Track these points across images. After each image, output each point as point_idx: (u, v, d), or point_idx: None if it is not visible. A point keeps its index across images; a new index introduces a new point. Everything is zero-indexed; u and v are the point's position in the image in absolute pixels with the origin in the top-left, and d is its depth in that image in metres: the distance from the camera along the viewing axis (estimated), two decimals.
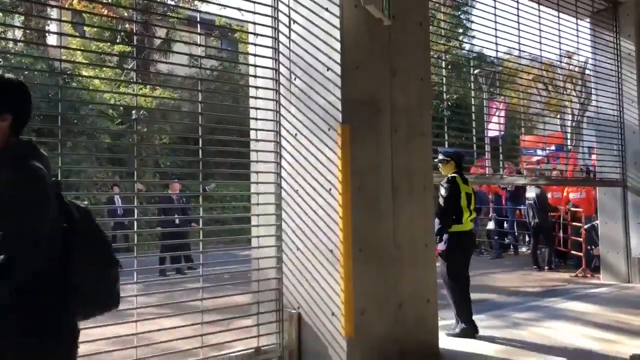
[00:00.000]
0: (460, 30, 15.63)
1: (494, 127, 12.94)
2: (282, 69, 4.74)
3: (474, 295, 5.75)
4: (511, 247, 13.86)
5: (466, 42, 15.26)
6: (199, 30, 5.36)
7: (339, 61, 4.24)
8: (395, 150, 4.59)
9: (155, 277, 9.32)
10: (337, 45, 4.26)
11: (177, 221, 9.95)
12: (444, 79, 7.80)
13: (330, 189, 4.26)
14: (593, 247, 9.74)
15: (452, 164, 5.67)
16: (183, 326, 4.50)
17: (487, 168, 8.02)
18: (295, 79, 4.61)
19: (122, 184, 14.38)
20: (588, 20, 8.68)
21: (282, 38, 4.73)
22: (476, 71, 10.70)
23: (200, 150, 4.49)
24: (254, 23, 4.85)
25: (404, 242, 4.56)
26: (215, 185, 15.31)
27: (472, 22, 14.29)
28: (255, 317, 4.63)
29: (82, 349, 2.12)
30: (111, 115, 16.78)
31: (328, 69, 4.32)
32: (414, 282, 4.62)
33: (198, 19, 5.09)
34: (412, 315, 4.58)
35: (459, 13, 14.71)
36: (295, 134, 4.58)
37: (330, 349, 4.19)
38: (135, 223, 4.64)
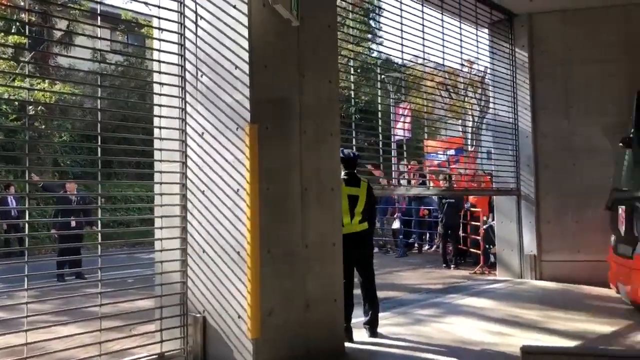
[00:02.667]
0: (370, 36, 16.03)
1: (401, 131, 13.39)
2: (188, 66, 4.61)
3: (380, 294, 5.87)
4: (415, 245, 14.39)
5: (374, 48, 15.68)
6: (99, 23, 5.08)
7: (247, 60, 4.19)
8: (304, 151, 4.60)
9: (53, 282, 8.81)
10: (245, 44, 4.20)
11: (73, 223, 9.42)
12: (353, 82, 7.94)
13: (238, 190, 4.19)
14: (491, 245, 10.30)
15: (341, 166, 5.44)
16: (80, 334, 4.27)
17: (394, 172, 8.27)
18: (202, 76, 4.50)
19: (17, 184, 13.44)
20: (487, 30, 9.16)
21: (188, 34, 4.61)
22: (383, 76, 11.01)
23: (99, 149, 4.27)
24: (159, 18, 4.69)
25: (312, 243, 4.58)
26: (116, 185, 14.69)
27: (380, 29, 14.72)
28: (159, 322, 4.47)
29: None
30: (5, 111, 15.64)
31: (236, 67, 4.26)
32: (322, 282, 4.65)
33: (99, 11, 4.82)
34: (320, 315, 4.60)
35: (368, 19, 15.09)
36: (202, 133, 4.48)
37: (236, 351, 4.13)
38: (27, 225, 4.34)
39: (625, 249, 6.39)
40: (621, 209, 6.54)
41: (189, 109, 4.60)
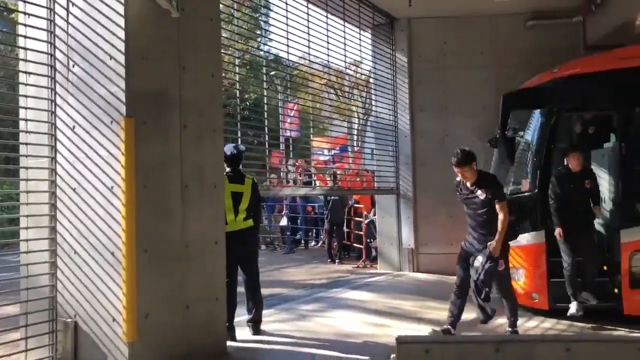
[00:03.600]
0: (258, 32, 15.93)
1: (289, 128, 13.49)
2: (58, 55, 4.31)
3: (265, 291, 5.88)
4: (302, 242, 14.57)
5: (264, 44, 15.60)
6: None
7: (123, 50, 4.00)
8: (185, 146, 4.48)
9: None
10: (121, 33, 4.01)
11: None
12: (240, 80, 7.86)
13: (112, 187, 4.00)
14: (372, 239, 10.68)
15: (225, 163, 5.40)
16: None
17: (282, 173, 8.30)
18: (74, 66, 4.23)
19: None
20: (370, 32, 9.46)
21: (59, 21, 4.31)
22: (272, 73, 11.02)
23: None
24: (25, 1, 4.34)
25: (193, 241, 4.47)
26: None
27: (267, 28, 14.66)
28: (24, 329, 4.14)
29: None
30: None
31: (111, 57, 4.05)
32: (203, 281, 4.56)
33: None
34: (201, 315, 4.52)
35: (257, 15, 14.99)
36: (74, 127, 4.21)
37: (111, 356, 3.94)
38: None
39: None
40: None
41: (59, 100, 4.30)
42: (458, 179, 5.35)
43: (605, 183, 6.21)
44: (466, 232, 5.43)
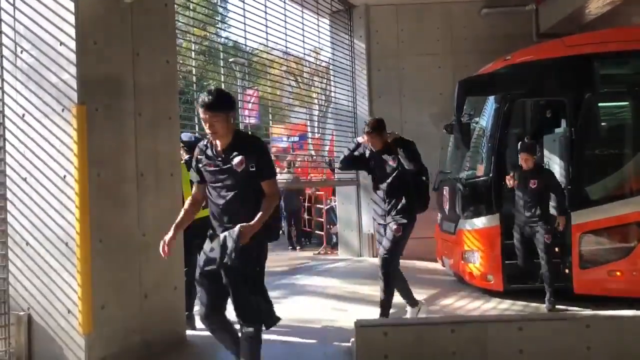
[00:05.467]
0: (218, 19, 15.65)
1: (248, 115, 13.38)
2: (5, 41, 4.15)
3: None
4: None
5: (222, 31, 15.38)
6: None
7: (73, 36, 3.88)
8: (139, 134, 4.40)
9: None
10: (71, 18, 3.89)
11: None
12: (199, 66, 7.75)
13: (65, 176, 3.90)
14: (331, 226, 10.75)
15: (185, 150, 5.44)
16: None
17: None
18: (22, 53, 4.09)
19: None
20: (328, 19, 9.45)
21: (4, 5, 4.14)
22: (231, 60, 10.88)
23: None
24: None
25: (150, 230, 4.41)
26: None
27: (227, 10, 14.44)
28: None
29: None
30: None
31: (61, 43, 3.93)
32: (161, 270, 4.50)
33: None
34: (159, 304, 4.47)
35: (215, 1, 14.74)
36: (23, 115, 4.08)
37: (67, 349, 3.87)
38: None
39: (448, 226, 7.06)
40: (445, 190, 7.20)
41: (7, 88, 4.13)
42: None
43: (556, 167, 6.40)
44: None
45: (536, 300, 5.91)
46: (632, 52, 6.13)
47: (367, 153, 5.27)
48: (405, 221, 4.97)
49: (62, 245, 3.89)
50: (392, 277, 5.05)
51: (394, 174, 5.02)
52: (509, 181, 5.89)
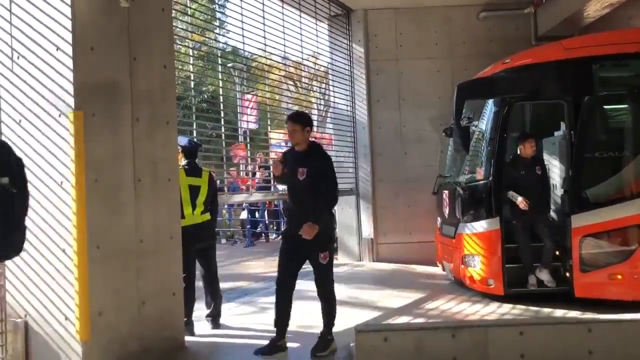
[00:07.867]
0: (217, 24, 15.68)
1: (248, 120, 13.36)
2: (2, 46, 4.14)
3: (225, 285, 5.83)
4: (263, 235, 14.51)
5: (220, 35, 15.39)
6: None
7: (70, 41, 3.88)
8: (137, 139, 4.38)
9: None
10: (68, 24, 3.88)
11: None
12: (197, 71, 7.74)
13: (62, 182, 3.88)
14: None
15: (182, 155, 5.31)
16: None
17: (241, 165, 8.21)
18: (18, 58, 4.08)
19: None
20: (326, 23, 9.44)
21: (1, 10, 4.13)
22: (229, 65, 10.88)
23: None
24: None
25: (147, 236, 4.39)
26: None
27: (225, 15, 14.47)
28: None
29: None
30: None
31: (58, 48, 3.92)
32: (159, 276, 4.48)
33: None
34: (157, 311, 4.44)
35: (212, 6, 14.76)
36: (20, 121, 4.07)
37: (64, 356, 3.84)
38: None
39: (448, 230, 7.02)
40: (445, 194, 7.17)
41: (3, 93, 4.14)
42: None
43: (556, 170, 6.38)
44: None
45: (537, 305, 5.88)
46: (631, 54, 6.12)
47: None
48: None
49: (59, 251, 3.87)
50: None
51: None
52: (522, 204, 5.97)
